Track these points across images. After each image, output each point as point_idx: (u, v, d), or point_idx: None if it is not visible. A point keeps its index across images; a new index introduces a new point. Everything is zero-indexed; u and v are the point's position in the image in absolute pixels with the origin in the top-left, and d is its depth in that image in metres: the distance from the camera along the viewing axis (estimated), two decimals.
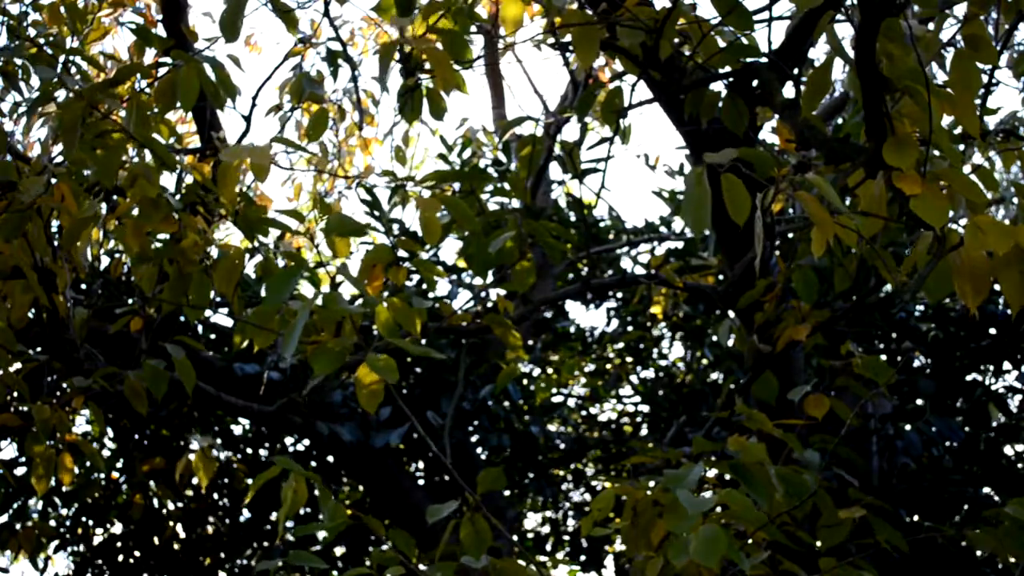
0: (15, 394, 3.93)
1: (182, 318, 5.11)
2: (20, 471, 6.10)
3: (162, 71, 3.26)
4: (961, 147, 3.39)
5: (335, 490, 6.81)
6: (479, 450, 6.63)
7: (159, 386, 3.55)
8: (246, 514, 6.66)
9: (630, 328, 7.44)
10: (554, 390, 7.90)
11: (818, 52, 7.68)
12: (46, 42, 4.51)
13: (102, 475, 6.50)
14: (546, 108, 7.67)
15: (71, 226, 3.16)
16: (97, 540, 6.59)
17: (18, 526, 6.14)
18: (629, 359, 7.68)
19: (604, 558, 7.27)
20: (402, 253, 3.45)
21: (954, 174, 2.48)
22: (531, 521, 7.73)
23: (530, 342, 7.06)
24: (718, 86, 3.40)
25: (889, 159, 2.49)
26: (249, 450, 6.80)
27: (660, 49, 3.13)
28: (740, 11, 3.06)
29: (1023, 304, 2.39)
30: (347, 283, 3.06)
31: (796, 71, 3.66)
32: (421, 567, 2.81)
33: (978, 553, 5.70)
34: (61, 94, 3.22)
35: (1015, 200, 3.46)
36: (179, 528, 6.60)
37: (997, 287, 2.44)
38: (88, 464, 6.24)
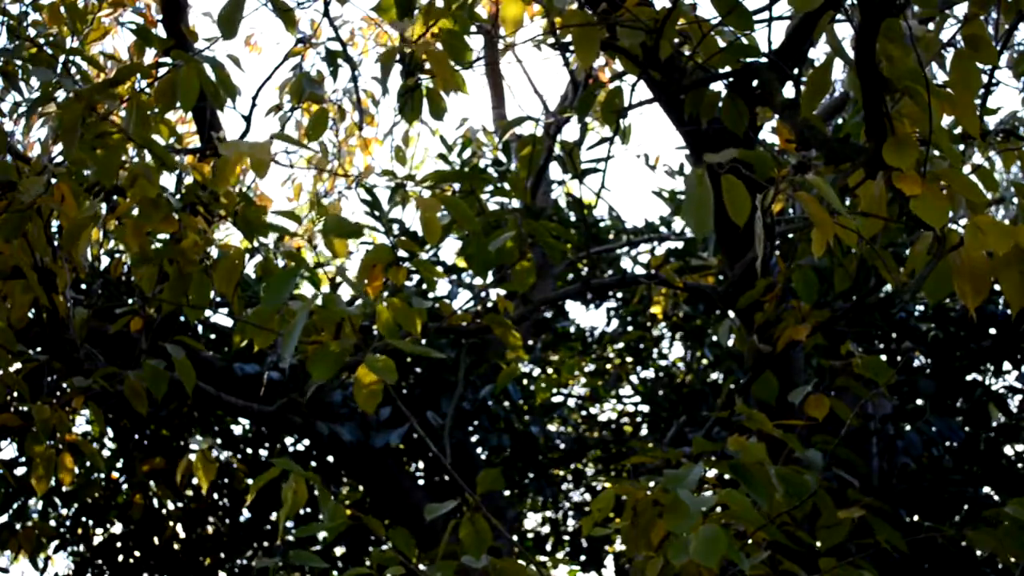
0: (15, 394, 3.93)
1: (182, 318, 5.11)
2: (20, 471, 6.10)
3: (162, 71, 3.26)
4: (961, 147, 3.39)
5: (335, 491, 6.81)
6: (479, 450, 6.63)
7: (159, 386, 3.55)
8: (246, 514, 6.66)
9: (630, 328, 7.44)
10: (554, 390, 7.90)
11: (818, 52, 7.69)
12: (46, 42, 4.51)
13: (102, 475, 6.50)
14: (546, 108, 7.68)
15: (71, 226, 3.16)
16: (97, 540, 6.59)
17: (18, 526, 6.14)
18: (629, 359, 7.68)
19: (604, 558, 7.27)
20: (402, 253, 3.45)
21: (954, 174, 2.48)
22: (531, 521, 7.73)
23: (530, 342, 7.06)
24: (718, 86, 3.40)
25: (889, 159, 2.49)
26: (249, 450, 6.80)
27: (660, 49, 3.13)
28: (740, 11, 3.06)
29: (1023, 304, 2.39)
30: (347, 283, 3.07)
31: (796, 71, 3.66)
32: (421, 567, 2.81)
33: (978, 553, 5.70)
34: (61, 94, 3.22)
35: (1015, 200, 3.46)
36: (179, 528, 6.60)
37: (997, 287, 2.44)
38: (88, 464, 6.24)
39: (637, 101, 3.58)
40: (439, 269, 6.68)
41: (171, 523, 6.54)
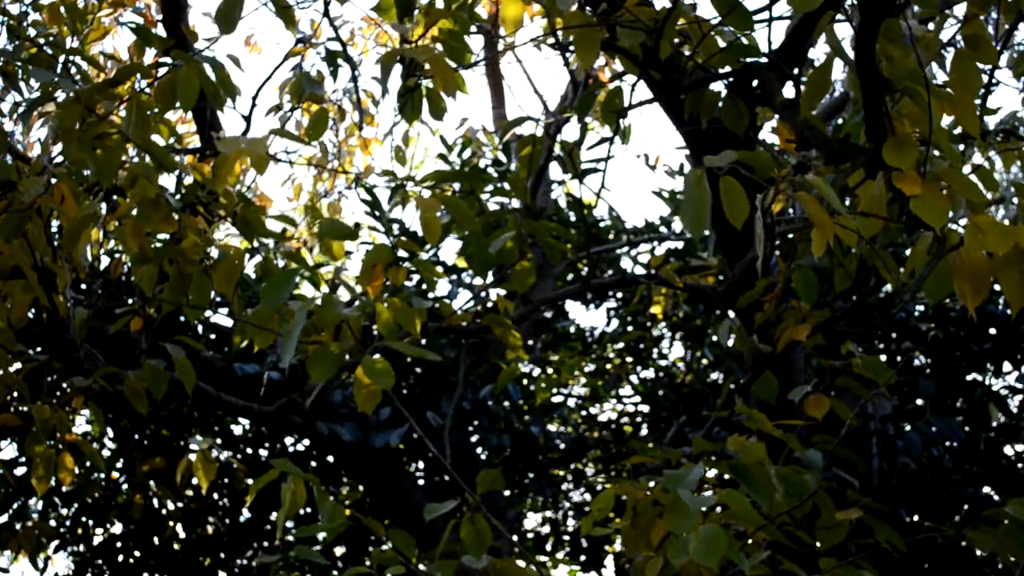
0: (15, 394, 3.93)
1: (182, 318, 5.11)
2: (20, 471, 6.10)
3: (162, 71, 3.26)
4: (961, 147, 3.39)
5: (335, 491, 6.81)
6: (479, 450, 6.63)
7: (159, 386, 3.55)
8: (246, 514, 6.66)
9: (630, 328, 7.44)
10: (554, 390, 7.89)
11: (818, 52, 7.68)
12: (46, 42, 4.51)
13: (102, 475, 6.50)
14: (546, 108, 7.68)
15: (71, 226, 3.16)
16: (97, 540, 6.59)
17: (18, 526, 6.14)
18: (629, 359, 7.68)
19: (604, 558, 7.27)
20: (402, 253, 3.45)
21: (954, 174, 2.48)
22: (531, 521, 7.73)
23: (530, 342, 7.06)
24: (718, 86, 3.40)
25: (889, 159, 2.49)
26: (249, 450, 6.80)
27: (660, 49, 3.12)
28: (740, 11, 3.06)
29: (1023, 304, 2.39)
30: (344, 286, 3.07)
31: (796, 71, 3.66)
32: (421, 567, 2.81)
33: (978, 553, 5.70)
34: (61, 94, 3.22)
35: (1015, 200, 3.46)
36: (179, 528, 6.60)
37: (997, 287, 2.44)
38: (88, 464, 6.24)
39: (637, 101, 3.58)
40: (439, 269, 6.68)
41: (171, 523, 6.54)
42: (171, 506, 6.55)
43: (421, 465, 6.73)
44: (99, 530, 6.61)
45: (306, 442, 6.66)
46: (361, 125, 7.80)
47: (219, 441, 6.61)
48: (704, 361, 7.18)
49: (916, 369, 6.32)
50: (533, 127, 5.03)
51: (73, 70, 4.54)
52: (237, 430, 6.75)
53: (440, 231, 3.30)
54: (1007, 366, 6.52)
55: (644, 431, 7.41)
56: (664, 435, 6.80)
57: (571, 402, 7.96)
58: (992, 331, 6.29)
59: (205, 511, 6.61)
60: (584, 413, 7.90)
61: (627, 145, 6.76)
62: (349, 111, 7.82)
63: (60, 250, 3.37)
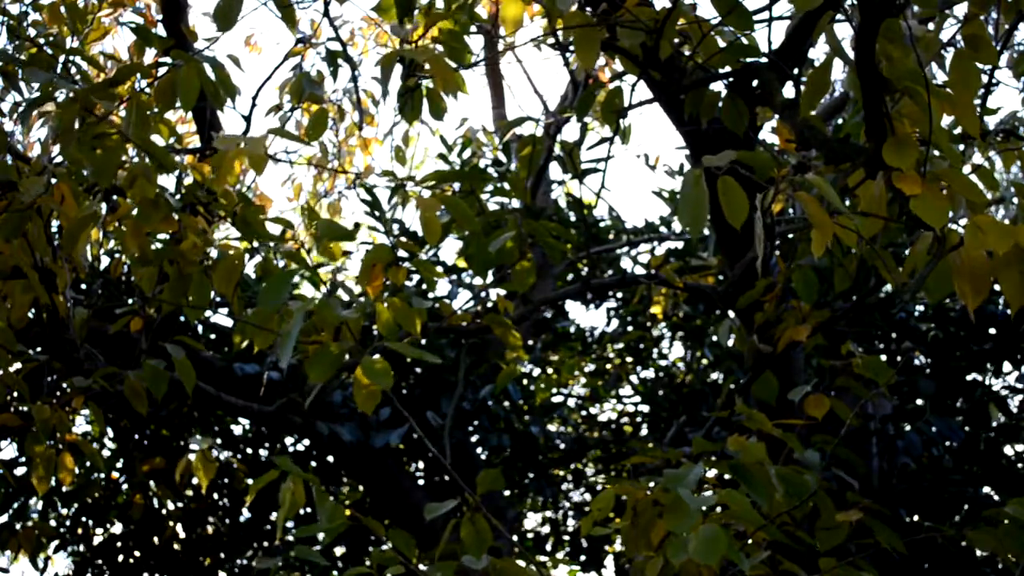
0: (15, 394, 3.93)
1: (182, 318, 5.11)
2: (20, 471, 6.10)
3: (162, 71, 3.25)
4: (961, 147, 3.39)
5: (335, 491, 6.81)
6: (479, 450, 6.63)
7: (159, 386, 3.55)
8: (246, 514, 6.66)
9: (630, 328, 7.44)
10: (554, 390, 7.90)
11: (818, 52, 7.68)
12: (46, 42, 4.51)
13: (102, 475, 6.50)
14: (546, 108, 7.68)
15: (71, 226, 3.16)
16: (97, 540, 6.59)
17: (18, 526, 6.14)
18: (629, 359, 7.68)
19: (604, 558, 7.27)
20: (402, 253, 3.45)
21: (954, 174, 2.48)
22: (531, 521, 7.73)
23: (530, 342, 7.06)
24: (718, 86, 3.40)
25: (889, 159, 2.49)
26: (249, 450, 6.80)
27: (660, 49, 3.12)
28: (740, 11, 3.06)
29: (1023, 304, 2.39)
30: (346, 283, 3.07)
31: (796, 71, 3.66)
32: (421, 567, 2.81)
33: (978, 553, 5.70)
34: (61, 94, 3.22)
35: (1015, 200, 3.46)
36: (179, 528, 6.60)
37: (997, 287, 2.44)
38: (88, 464, 6.24)
39: (637, 101, 3.58)
40: (439, 269, 6.68)
41: (171, 523, 6.54)
42: (171, 506, 6.55)
43: (421, 465, 6.73)
44: (99, 530, 6.61)
45: (306, 442, 6.66)
46: (361, 125, 7.80)
47: (219, 441, 6.61)
48: (704, 361, 7.18)
49: (916, 369, 6.32)
50: (533, 127, 5.03)
51: (73, 70, 4.54)
52: (237, 430, 6.75)
53: (440, 231, 3.30)
54: (1007, 366, 6.52)
55: (644, 431, 7.41)
56: (664, 435, 6.79)
57: (571, 402, 7.96)
58: (992, 331, 6.29)
59: (205, 511, 6.61)
60: (584, 413, 7.90)
61: (627, 145, 6.76)
62: (349, 111, 7.82)
63: (60, 250, 3.37)
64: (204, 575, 6.60)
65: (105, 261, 5.76)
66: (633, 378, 7.73)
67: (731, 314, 4.44)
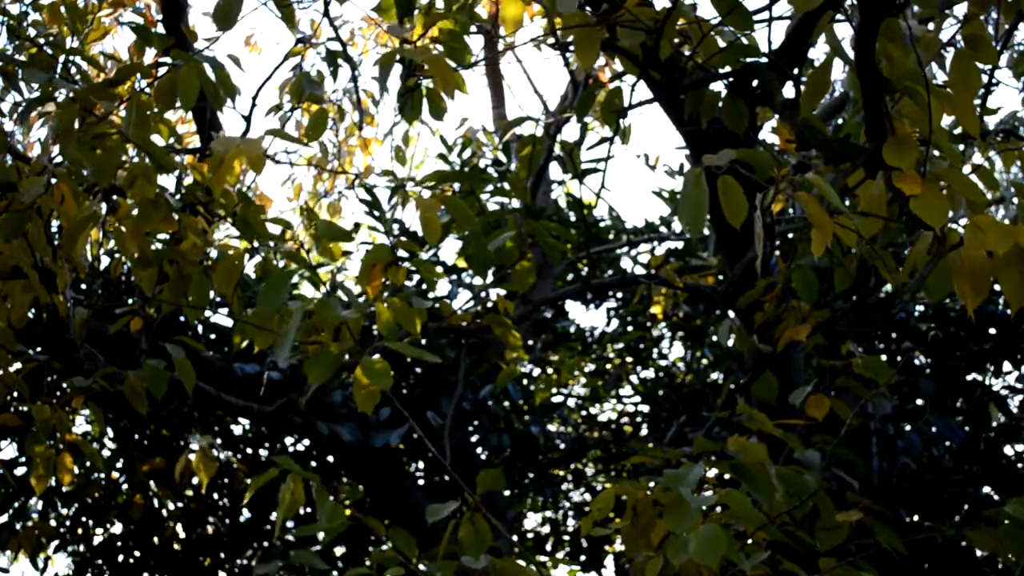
0: (15, 394, 3.93)
1: (182, 318, 5.11)
2: (20, 471, 6.10)
3: (162, 71, 3.25)
4: (961, 147, 3.39)
5: (336, 484, 6.81)
6: (479, 450, 6.63)
7: (159, 386, 3.55)
8: (246, 514, 6.66)
9: (630, 328, 7.44)
10: (554, 390, 7.90)
11: (818, 52, 7.68)
12: (46, 42, 4.51)
13: (102, 475, 6.50)
14: (546, 108, 7.67)
15: (71, 226, 3.16)
16: (97, 540, 6.59)
17: (18, 526, 6.14)
18: (629, 359, 7.68)
19: (604, 558, 7.27)
20: (402, 253, 3.45)
21: (954, 174, 2.48)
22: (531, 521, 7.73)
23: (530, 342, 7.06)
24: (718, 86, 3.40)
25: (889, 159, 2.49)
26: (249, 450, 6.80)
27: (660, 49, 3.12)
28: (740, 11, 3.06)
29: (1023, 304, 2.39)
30: (346, 284, 3.07)
31: (796, 71, 3.66)
32: (421, 567, 2.81)
33: (978, 553, 5.70)
34: (61, 94, 3.22)
35: (1015, 200, 3.46)
36: (179, 528, 6.60)
37: (997, 287, 2.44)
38: (88, 464, 6.24)
39: (637, 101, 3.58)
40: (439, 269, 6.68)
41: (171, 523, 6.54)
42: (171, 506, 6.55)
43: (421, 465, 6.73)
44: (99, 530, 6.61)
45: (306, 442, 6.66)
46: (361, 125, 7.80)
47: (219, 441, 6.61)
48: (704, 361, 7.18)
49: (916, 369, 6.32)
50: (533, 127, 5.03)
51: (73, 70, 4.54)
52: (237, 430, 6.75)
53: (440, 231, 3.30)
54: (1007, 366, 6.52)
55: (644, 431, 7.41)
56: (664, 435, 6.79)
57: (571, 402, 7.96)
58: (992, 331, 6.29)
59: (205, 511, 6.61)
60: (584, 413, 7.90)
61: (627, 145, 6.76)
62: (349, 111, 7.82)
63: (60, 250, 3.37)
64: (204, 575, 6.59)
65: (105, 261, 5.76)
66: (633, 378, 7.73)
67: (731, 314, 4.44)
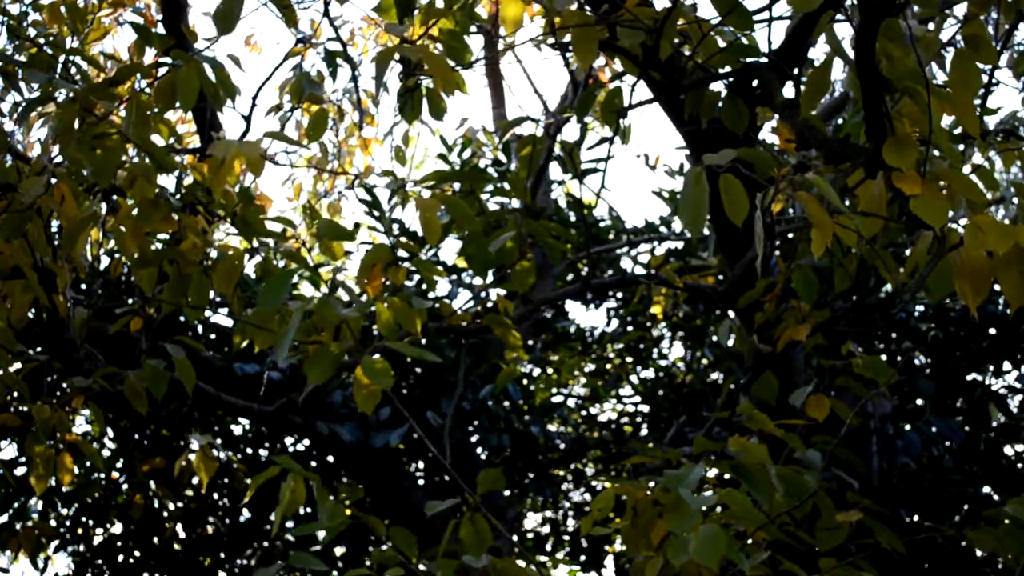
0: (15, 394, 3.93)
1: (182, 318, 5.11)
2: (20, 471, 6.10)
3: (162, 71, 3.25)
4: (961, 147, 3.39)
5: (335, 487, 6.81)
6: (479, 450, 6.63)
7: (159, 386, 3.55)
8: (246, 514, 6.66)
9: (630, 328, 7.44)
10: (554, 390, 7.90)
11: (818, 52, 7.68)
12: (46, 42, 4.51)
13: (102, 475, 6.50)
14: (546, 108, 7.67)
15: (71, 226, 3.16)
16: (97, 540, 6.59)
17: (18, 526, 6.14)
18: (629, 359, 7.68)
19: (604, 558, 7.27)
20: (402, 253, 3.45)
21: (954, 174, 2.48)
22: (531, 521, 7.73)
23: (530, 342, 7.06)
24: (718, 86, 3.40)
25: (889, 159, 2.49)
26: (249, 450, 6.80)
27: (660, 49, 3.12)
28: (740, 11, 3.06)
29: (1023, 304, 2.39)
30: (346, 284, 3.07)
31: (796, 71, 3.66)
32: (421, 567, 2.81)
33: (978, 553, 5.70)
34: (61, 94, 3.22)
35: (1015, 200, 3.46)
36: (179, 528, 6.60)
37: (997, 287, 2.44)
38: (88, 464, 6.24)
39: (637, 101, 3.58)
40: (439, 269, 6.67)
41: (171, 523, 6.54)
42: (171, 506, 6.55)
43: (421, 465, 6.73)
44: (99, 530, 6.61)
45: (306, 442, 6.66)
46: (361, 125, 7.80)
47: (219, 441, 6.61)
48: (704, 361, 7.18)
49: (916, 369, 6.32)
50: (533, 127, 5.03)
51: (73, 70, 4.54)
52: (237, 430, 6.75)
53: (440, 231, 3.30)
54: (1007, 366, 6.52)
55: (644, 431, 7.41)
56: (664, 435, 6.80)
57: (571, 402, 7.96)
58: (992, 331, 6.29)
59: (205, 511, 6.61)
60: (584, 413, 7.90)
61: (627, 145, 6.76)
62: (349, 111, 7.82)
63: (60, 250, 3.37)
64: (204, 575, 6.59)
65: (105, 261, 5.76)
66: (633, 378, 7.73)
67: (731, 314, 4.44)
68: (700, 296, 5.53)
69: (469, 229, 3.78)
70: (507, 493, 6.89)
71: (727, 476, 2.87)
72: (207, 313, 5.44)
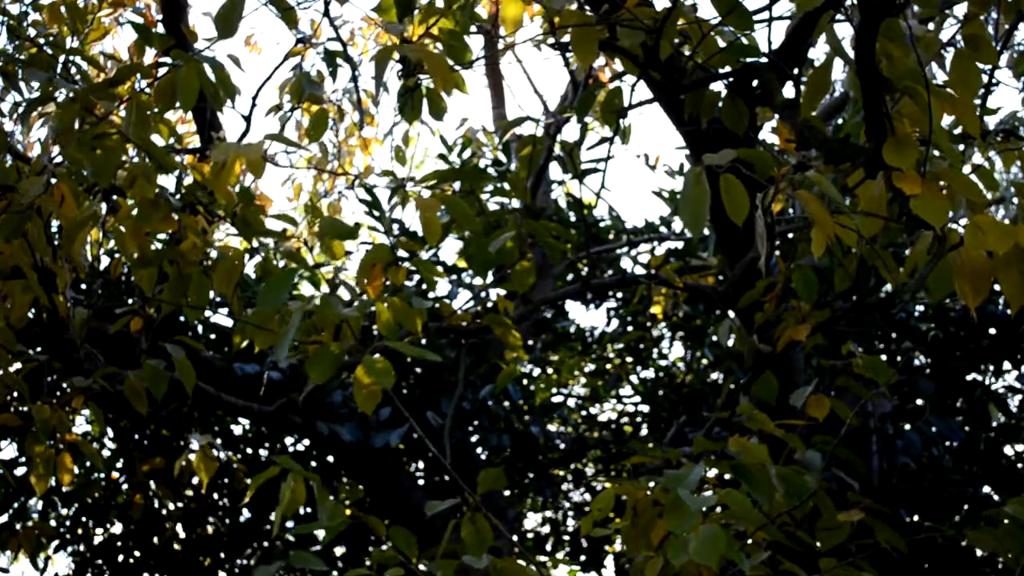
0: (15, 394, 3.93)
1: (182, 318, 5.11)
2: (20, 471, 6.10)
3: (162, 71, 3.25)
4: (961, 147, 3.39)
5: (335, 487, 6.81)
6: (479, 450, 6.63)
7: (159, 386, 3.55)
8: (246, 514, 6.66)
9: (630, 328, 7.44)
10: (554, 390, 7.90)
11: (818, 52, 7.68)
12: (46, 42, 4.51)
13: (102, 475, 6.50)
14: (546, 108, 7.68)
15: (71, 226, 3.16)
16: (97, 540, 6.59)
17: (18, 526, 6.14)
18: (629, 359, 7.68)
19: (604, 558, 7.27)
20: (402, 253, 3.45)
21: (954, 174, 2.48)
22: (531, 521, 7.73)
23: (530, 342, 7.06)
24: (718, 86, 3.40)
25: (889, 159, 2.49)
26: (249, 450, 6.80)
27: (660, 49, 3.12)
28: (740, 11, 3.06)
29: (1023, 304, 2.39)
30: (346, 283, 3.07)
31: (796, 71, 3.66)
32: (421, 567, 2.80)
33: (978, 553, 5.70)
34: (61, 94, 3.22)
35: (1015, 200, 3.46)
36: (179, 528, 6.60)
37: (997, 287, 2.44)
38: (88, 464, 6.24)
39: (637, 101, 3.58)
40: (439, 269, 6.67)
41: (171, 523, 6.54)
42: (171, 506, 6.55)
43: (421, 465, 6.73)
44: (99, 530, 6.61)
45: (306, 442, 6.66)
46: (361, 125, 7.80)
47: (219, 441, 6.61)
48: (704, 361, 7.18)
49: (916, 369, 6.32)
50: (533, 127, 5.03)
51: (73, 70, 4.54)
52: (237, 430, 6.75)
53: (440, 231, 3.29)
54: (1007, 366, 6.53)
55: (644, 431, 7.41)
56: (664, 435, 6.80)
57: (571, 402, 7.96)
58: (992, 331, 6.29)
59: (205, 511, 6.61)
60: (584, 413, 7.90)
61: (627, 145, 6.76)
62: (349, 111, 7.82)
63: (60, 250, 3.37)
64: (204, 575, 6.59)
65: (105, 261, 5.76)
66: (633, 378, 7.73)
67: (731, 314, 4.44)
68: (700, 296, 5.53)
69: (469, 229, 3.78)
70: (507, 493, 6.89)
71: (727, 476, 2.87)
72: (207, 313, 5.44)
